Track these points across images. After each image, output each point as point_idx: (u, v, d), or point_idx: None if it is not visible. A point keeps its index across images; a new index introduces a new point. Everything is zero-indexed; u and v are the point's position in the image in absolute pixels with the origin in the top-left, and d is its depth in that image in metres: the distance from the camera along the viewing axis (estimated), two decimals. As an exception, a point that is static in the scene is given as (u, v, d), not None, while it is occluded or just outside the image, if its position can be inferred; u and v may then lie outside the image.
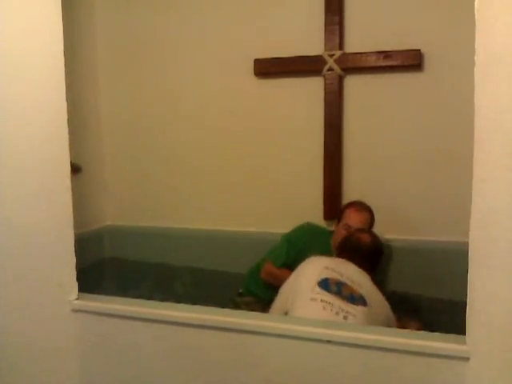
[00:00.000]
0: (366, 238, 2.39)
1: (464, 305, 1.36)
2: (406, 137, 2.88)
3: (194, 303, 1.80)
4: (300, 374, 1.56)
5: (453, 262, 2.12)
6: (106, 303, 1.78)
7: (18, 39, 1.53)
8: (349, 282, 2.05)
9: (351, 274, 2.12)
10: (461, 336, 1.38)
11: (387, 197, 2.90)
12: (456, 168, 2.56)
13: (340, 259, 2.25)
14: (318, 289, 1.98)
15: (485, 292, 1.29)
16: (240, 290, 2.75)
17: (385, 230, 2.74)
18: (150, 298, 1.83)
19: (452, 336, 1.42)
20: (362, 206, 2.65)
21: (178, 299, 2.27)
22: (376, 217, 2.64)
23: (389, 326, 2.02)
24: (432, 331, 1.49)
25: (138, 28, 3.37)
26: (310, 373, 1.55)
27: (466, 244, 1.34)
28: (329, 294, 1.97)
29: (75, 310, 1.78)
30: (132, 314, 1.72)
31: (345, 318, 1.91)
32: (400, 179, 2.89)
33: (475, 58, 1.26)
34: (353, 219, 2.61)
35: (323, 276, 2.03)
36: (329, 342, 1.49)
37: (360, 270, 2.19)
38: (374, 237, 2.43)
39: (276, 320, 1.65)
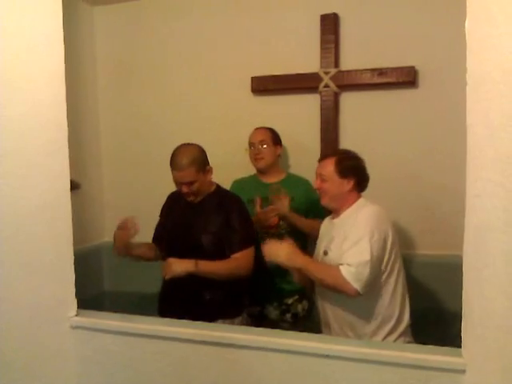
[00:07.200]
0: (356, 153, 2.21)
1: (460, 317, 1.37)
2: (401, 152, 2.91)
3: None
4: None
5: (449, 275, 2.14)
6: (105, 319, 1.79)
7: (18, 58, 1.55)
8: None
9: None
10: (457, 349, 1.39)
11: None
12: (450, 183, 2.58)
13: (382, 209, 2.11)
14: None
15: (480, 305, 1.31)
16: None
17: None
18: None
19: (448, 349, 1.43)
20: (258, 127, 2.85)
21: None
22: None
23: None
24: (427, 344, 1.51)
25: (138, 46, 3.42)
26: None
27: (460, 257, 1.36)
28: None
29: (74, 327, 1.78)
30: (131, 330, 1.73)
31: None
32: (395, 193, 2.91)
33: (467, 76, 1.29)
34: (252, 137, 2.80)
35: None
36: (327, 356, 1.50)
37: None
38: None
39: (275, 335, 1.65)
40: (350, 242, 1.96)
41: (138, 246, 2.37)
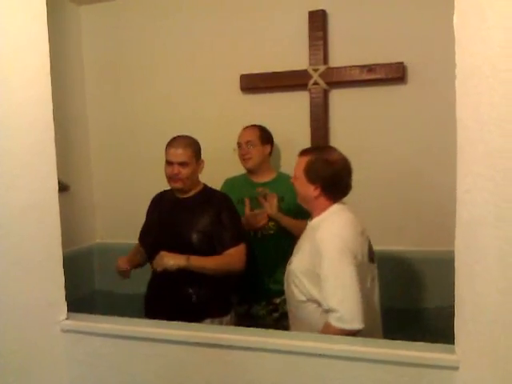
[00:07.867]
0: (339, 155, 1.98)
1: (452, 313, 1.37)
2: (390, 148, 2.92)
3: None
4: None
5: (441, 271, 2.15)
6: (96, 322, 1.77)
7: (3, 58, 1.54)
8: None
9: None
10: (450, 345, 1.38)
11: (372, 207, 2.92)
12: (440, 178, 2.59)
13: (350, 215, 1.94)
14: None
15: (472, 301, 1.30)
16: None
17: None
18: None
19: (441, 346, 1.43)
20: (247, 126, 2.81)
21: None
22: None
23: None
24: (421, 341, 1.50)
25: (125, 45, 3.40)
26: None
27: (452, 253, 1.36)
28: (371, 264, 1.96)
29: (65, 331, 1.75)
30: (123, 333, 1.71)
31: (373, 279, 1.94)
32: (385, 189, 2.92)
33: (456, 71, 1.28)
34: (239, 137, 2.76)
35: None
36: (320, 355, 1.49)
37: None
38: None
39: (268, 335, 1.64)
40: (323, 273, 1.78)
41: (137, 254, 2.45)
